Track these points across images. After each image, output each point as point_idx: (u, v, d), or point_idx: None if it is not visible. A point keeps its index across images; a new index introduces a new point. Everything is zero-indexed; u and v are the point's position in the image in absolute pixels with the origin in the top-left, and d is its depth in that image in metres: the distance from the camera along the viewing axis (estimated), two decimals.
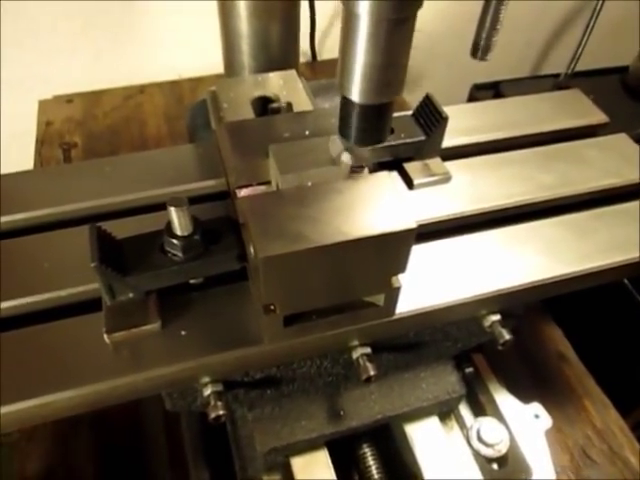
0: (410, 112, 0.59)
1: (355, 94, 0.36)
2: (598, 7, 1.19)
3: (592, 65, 1.31)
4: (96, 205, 0.54)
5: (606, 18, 1.25)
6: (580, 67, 1.28)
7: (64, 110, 1.13)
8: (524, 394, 0.68)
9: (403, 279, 0.44)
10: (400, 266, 0.41)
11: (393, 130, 0.57)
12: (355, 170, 0.44)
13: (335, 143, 0.41)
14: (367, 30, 0.33)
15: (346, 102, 0.37)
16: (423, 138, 0.57)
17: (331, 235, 0.37)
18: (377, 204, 0.40)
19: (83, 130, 1.09)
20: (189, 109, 0.72)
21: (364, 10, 0.32)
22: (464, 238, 0.54)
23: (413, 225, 0.38)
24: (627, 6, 1.41)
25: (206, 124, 0.67)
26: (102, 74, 1.19)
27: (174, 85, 1.21)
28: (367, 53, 0.34)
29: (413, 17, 0.34)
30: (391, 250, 0.40)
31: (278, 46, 0.60)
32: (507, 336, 0.49)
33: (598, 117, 0.66)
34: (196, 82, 1.20)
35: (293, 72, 0.60)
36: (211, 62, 0.94)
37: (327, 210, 0.39)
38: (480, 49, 0.41)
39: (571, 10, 1.44)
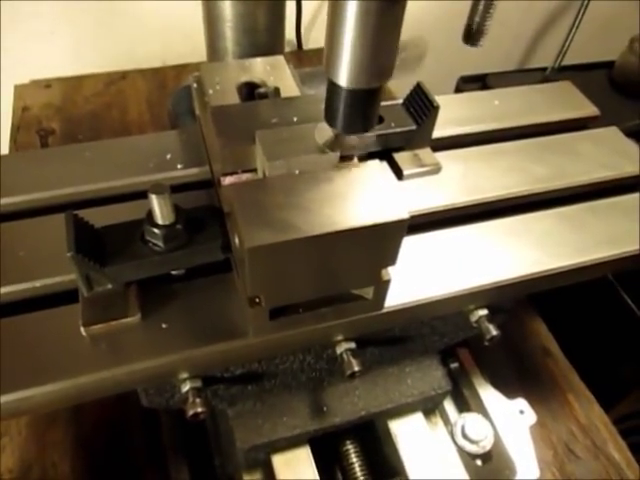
0: (400, 101, 0.58)
1: (342, 78, 0.34)
2: (586, 1, 1.19)
3: (579, 60, 1.31)
4: (75, 192, 0.52)
5: (594, 12, 1.25)
6: (567, 61, 1.28)
7: (42, 95, 1.09)
8: (508, 389, 0.67)
9: (392, 273, 0.42)
10: (390, 258, 0.40)
11: (383, 119, 0.55)
12: (345, 159, 0.43)
13: (322, 130, 0.39)
14: (356, 9, 0.31)
15: (333, 87, 0.35)
16: (414, 127, 0.55)
17: (321, 225, 0.36)
18: (368, 193, 0.38)
19: (62, 116, 1.06)
20: (171, 95, 0.69)
21: None
22: (454, 230, 0.53)
23: (405, 216, 0.37)
24: (614, 1, 1.41)
25: (189, 111, 0.65)
26: (83, 59, 1.15)
27: (157, 72, 1.18)
28: (355, 34, 0.32)
29: None
30: (382, 241, 0.38)
31: (263, 32, 0.58)
32: (494, 332, 0.48)
33: (589, 110, 0.66)
34: (180, 69, 1.17)
35: (281, 58, 0.58)
36: (196, 48, 0.92)
37: (316, 199, 0.37)
38: (472, 34, 0.39)
39: (559, 4, 1.43)
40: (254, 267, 0.36)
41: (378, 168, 0.40)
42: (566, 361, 0.79)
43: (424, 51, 1.34)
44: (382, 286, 0.42)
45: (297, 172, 0.39)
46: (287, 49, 1.19)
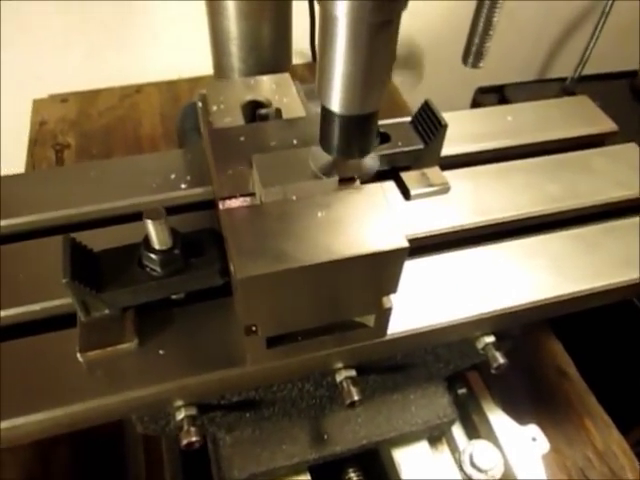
0: (408, 118, 0.57)
1: (335, 104, 0.33)
2: (607, 9, 1.16)
3: (600, 69, 1.28)
4: (77, 213, 0.52)
5: (615, 20, 1.22)
6: (587, 71, 1.25)
7: (58, 110, 1.11)
8: (521, 412, 0.65)
9: (396, 297, 0.41)
10: (391, 286, 0.39)
11: (389, 137, 0.54)
12: (345, 181, 0.41)
13: (317, 154, 0.38)
14: (347, 34, 0.30)
15: (326, 112, 0.34)
16: (421, 146, 0.54)
17: (317, 254, 0.35)
18: (366, 220, 0.37)
19: (77, 130, 1.06)
20: (179, 111, 0.69)
21: (343, 12, 0.29)
22: (463, 253, 0.51)
23: (405, 244, 0.36)
24: (637, 8, 1.38)
25: (196, 127, 0.65)
26: (99, 73, 1.16)
27: (171, 85, 1.18)
28: (347, 59, 0.31)
29: (397, 20, 0.31)
30: (381, 270, 0.37)
31: (268, 49, 0.57)
32: (501, 360, 0.46)
33: (607, 125, 0.63)
34: (194, 82, 1.18)
35: (286, 75, 0.57)
36: (210, 62, 0.92)
37: (313, 226, 0.36)
38: (472, 55, 0.38)
39: (579, 12, 1.40)
40: (247, 297, 0.35)
41: (377, 192, 0.39)
42: (583, 383, 0.76)
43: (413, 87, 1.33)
44: (383, 314, 0.41)
45: (294, 198, 0.38)
46: (301, 60, 1.18)
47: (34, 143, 1.05)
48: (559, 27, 1.43)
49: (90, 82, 1.15)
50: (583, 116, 0.65)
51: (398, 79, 1.22)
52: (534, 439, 0.60)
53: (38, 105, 1.12)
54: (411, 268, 0.48)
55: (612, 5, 1.14)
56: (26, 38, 1.07)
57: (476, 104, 1.28)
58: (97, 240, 0.46)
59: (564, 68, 1.37)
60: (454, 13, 1.26)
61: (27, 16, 1.04)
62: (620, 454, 0.71)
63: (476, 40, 0.36)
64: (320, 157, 0.38)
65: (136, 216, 0.51)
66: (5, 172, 0.56)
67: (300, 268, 0.34)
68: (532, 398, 0.73)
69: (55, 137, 1.05)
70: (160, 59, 1.19)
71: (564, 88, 1.23)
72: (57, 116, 1.09)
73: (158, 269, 0.41)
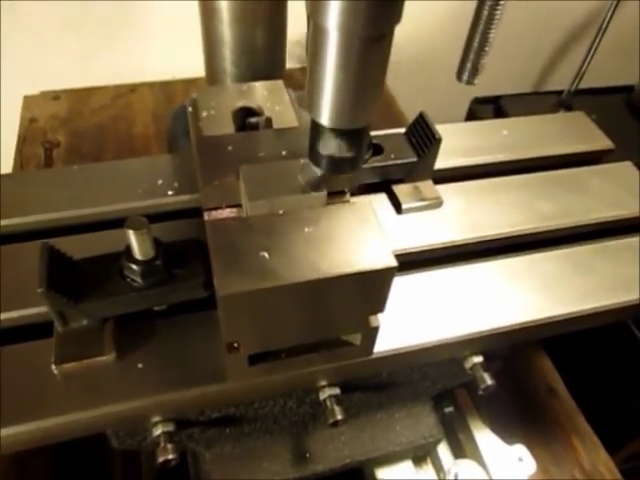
0: (402, 130, 0.56)
1: (325, 118, 0.32)
2: (605, 23, 1.16)
3: (597, 83, 1.28)
4: (59, 217, 0.50)
5: (614, 34, 1.22)
6: (584, 84, 1.24)
7: (49, 107, 1.09)
8: (509, 431, 0.64)
9: (383, 315, 0.40)
10: (378, 305, 0.38)
11: (383, 149, 0.53)
12: (335, 194, 0.40)
13: (306, 168, 0.37)
14: (338, 48, 0.28)
15: (315, 126, 0.33)
16: (415, 159, 0.53)
17: (303, 272, 0.34)
18: (355, 237, 0.36)
19: (68, 128, 1.05)
20: (170, 114, 0.68)
21: (334, 25, 0.27)
22: (452, 270, 0.50)
23: (393, 263, 0.35)
24: (635, 23, 1.38)
25: (186, 131, 0.63)
26: (93, 71, 1.15)
27: (166, 85, 1.17)
28: (338, 73, 0.29)
29: (390, 34, 0.30)
30: (369, 289, 0.36)
31: (262, 53, 0.56)
32: (489, 381, 0.45)
33: (603, 142, 0.63)
34: (189, 83, 1.16)
35: (280, 83, 0.56)
36: None
37: (299, 242, 0.35)
38: (467, 72, 0.37)
39: (577, 25, 1.40)
40: (229, 314, 0.34)
41: (367, 209, 0.38)
42: (572, 401, 0.76)
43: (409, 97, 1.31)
44: (370, 333, 0.40)
45: (281, 212, 0.37)
46: (297, 65, 1.17)
47: (23, 140, 1.03)
48: (557, 40, 1.43)
49: (85, 80, 1.14)
50: (579, 132, 0.64)
51: (393, 87, 1.21)
52: (521, 459, 0.59)
53: (29, 101, 1.10)
54: (399, 284, 0.47)
55: (610, 20, 1.14)
56: (22, 36, 1.05)
57: (472, 114, 1.27)
58: (79, 246, 0.44)
59: (561, 81, 1.37)
60: (451, 22, 1.25)
61: (23, 14, 1.02)
62: (607, 474, 0.70)
63: (471, 56, 0.35)
64: (309, 171, 0.37)
65: (120, 222, 0.50)
66: None
67: (285, 286, 0.33)
68: (521, 416, 0.73)
69: (45, 135, 1.03)
70: (155, 59, 1.17)
71: (560, 101, 1.23)
72: (48, 113, 1.07)
73: (139, 280, 0.40)
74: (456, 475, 0.54)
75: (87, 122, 1.07)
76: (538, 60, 1.46)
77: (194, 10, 0.73)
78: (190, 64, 1.16)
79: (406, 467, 0.55)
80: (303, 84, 0.58)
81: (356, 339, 0.41)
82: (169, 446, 0.40)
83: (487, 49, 0.34)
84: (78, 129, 1.05)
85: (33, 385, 0.40)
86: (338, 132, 0.33)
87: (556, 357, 0.81)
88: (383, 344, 0.43)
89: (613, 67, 1.35)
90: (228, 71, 0.58)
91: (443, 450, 0.58)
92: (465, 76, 0.36)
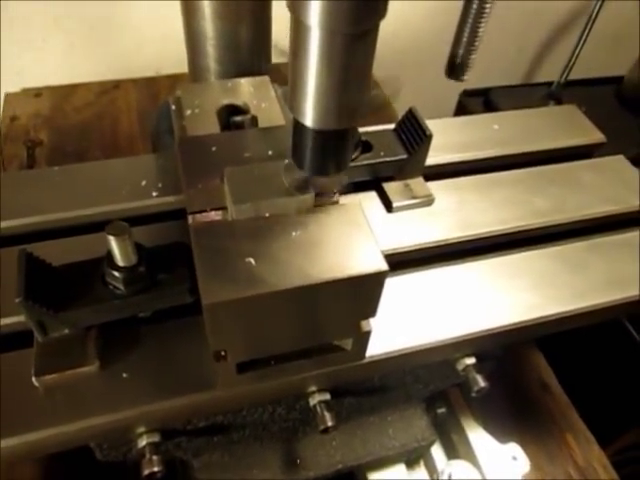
0: (392, 126, 0.54)
1: (308, 118, 0.30)
2: (595, 14, 1.15)
3: (587, 74, 1.27)
4: (39, 221, 0.49)
5: (603, 25, 1.21)
6: (574, 76, 1.24)
7: (31, 104, 1.06)
8: (503, 428, 0.63)
9: (374, 318, 0.39)
10: (370, 310, 0.37)
11: (372, 146, 0.52)
12: (322, 195, 0.39)
13: (290, 169, 0.36)
14: (320, 45, 0.27)
15: (298, 127, 0.32)
16: (405, 157, 0.52)
17: (290, 278, 0.32)
18: (344, 241, 0.35)
19: (50, 126, 1.02)
20: (154, 112, 0.66)
21: (316, 22, 0.26)
22: (446, 269, 0.49)
23: (385, 267, 0.34)
24: (625, 14, 1.37)
25: (171, 130, 0.62)
26: (77, 67, 1.13)
27: (151, 81, 1.15)
28: (321, 72, 0.28)
29: (375, 30, 0.28)
30: (360, 294, 0.35)
31: (246, 49, 0.54)
32: (482, 384, 0.44)
33: (595, 136, 0.62)
34: (174, 79, 1.14)
35: (266, 79, 0.54)
36: None
37: (287, 247, 0.34)
38: (456, 68, 0.35)
39: (566, 16, 1.39)
40: (215, 322, 0.33)
41: (356, 211, 0.36)
42: (565, 397, 0.75)
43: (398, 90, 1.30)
44: (361, 337, 0.39)
45: (267, 215, 0.35)
46: (282, 59, 1.15)
47: (4, 140, 1.00)
48: (545, 31, 1.42)
49: (67, 77, 1.11)
50: (571, 126, 0.63)
51: (381, 81, 1.20)
52: (514, 458, 0.58)
53: (10, 99, 1.07)
54: (390, 285, 0.46)
55: (599, 10, 1.13)
56: (4, 32, 1.03)
57: (461, 107, 1.26)
58: (59, 252, 0.43)
59: (550, 72, 1.36)
60: (437, 14, 1.24)
61: (5, 10, 1.00)
62: (601, 470, 0.70)
63: (460, 51, 0.33)
64: (294, 172, 0.35)
65: (103, 225, 0.49)
66: None
67: (273, 293, 0.32)
68: (514, 413, 0.72)
69: (27, 133, 1.01)
70: (140, 54, 1.15)
71: (550, 93, 1.22)
72: (30, 111, 1.05)
73: (122, 287, 0.39)
74: (449, 475, 0.54)
75: (70, 120, 1.05)
76: (527, 51, 1.45)
77: (179, 4, 0.71)
78: (175, 59, 1.14)
79: (399, 469, 0.54)
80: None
81: (347, 344, 0.39)
82: (155, 458, 0.38)
83: (477, 44, 0.33)
84: (61, 127, 1.03)
85: (13, 398, 0.38)
86: (322, 133, 0.31)
87: (548, 351, 0.80)
88: (375, 348, 0.42)
89: (602, 58, 1.34)
90: (212, 68, 0.57)
91: (436, 451, 0.57)
92: (454, 72, 0.34)
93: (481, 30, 0.32)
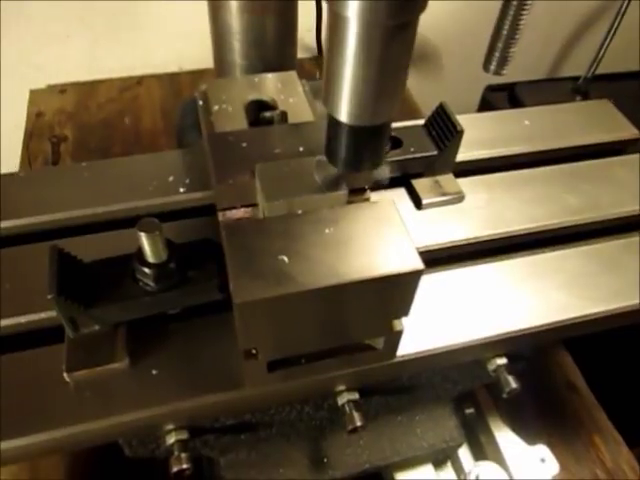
0: (421, 121, 0.53)
1: (344, 114, 0.30)
2: (624, 7, 1.12)
3: (615, 68, 1.24)
4: (68, 217, 0.49)
5: (633, 17, 1.18)
6: (602, 70, 1.21)
7: (56, 101, 1.07)
8: (530, 428, 0.62)
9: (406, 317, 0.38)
10: (403, 309, 0.36)
11: (401, 142, 0.51)
12: (354, 191, 0.38)
13: (322, 165, 0.35)
14: (358, 37, 0.26)
15: (333, 122, 0.31)
16: (435, 153, 0.51)
17: (323, 276, 0.32)
18: (378, 238, 0.34)
19: (75, 122, 1.03)
20: (179, 107, 0.66)
21: (354, 13, 0.25)
22: (475, 268, 0.48)
23: (420, 266, 0.33)
24: None
25: (196, 125, 0.62)
26: (99, 63, 1.13)
27: (173, 77, 1.15)
28: (358, 65, 0.27)
29: (415, 22, 0.27)
30: (394, 293, 0.34)
31: (272, 44, 0.54)
32: (514, 384, 0.43)
33: (629, 131, 0.60)
34: (197, 75, 1.14)
35: (293, 73, 0.54)
36: None
37: (319, 245, 0.33)
38: (495, 61, 0.34)
39: (594, 9, 1.36)
40: (246, 321, 0.32)
41: (390, 208, 0.36)
42: (592, 397, 0.74)
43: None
44: (393, 337, 0.38)
45: (300, 212, 0.35)
46: (305, 55, 1.15)
47: (30, 135, 1.01)
48: (572, 25, 1.39)
49: (91, 73, 1.12)
50: (604, 121, 0.62)
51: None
52: (543, 460, 0.57)
53: (35, 96, 1.08)
54: (421, 284, 0.45)
55: (629, 2, 1.11)
56: (26, 27, 1.03)
57: (485, 102, 1.24)
58: (89, 247, 0.43)
59: (577, 67, 1.33)
60: (464, 9, 1.22)
61: (27, 6, 1.00)
62: (629, 471, 0.68)
63: (500, 45, 0.32)
64: (325, 168, 0.35)
65: (131, 221, 0.49)
66: (4, 166, 0.53)
67: (305, 292, 0.31)
68: (541, 414, 0.71)
69: (52, 129, 1.02)
70: (163, 50, 1.15)
71: (576, 88, 1.19)
72: (55, 107, 1.06)
73: (152, 284, 0.38)
74: (477, 476, 0.53)
75: (94, 116, 1.05)
76: (553, 46, 1.42)
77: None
78: (197, 55, 1.14)
79: (426, 470, 0.53)
80: (314, 75, 0.56)
81: (378, 343, 0.39)
82: (183, 455, 0.38)
83: (517, 37, 0.32)
84: (85, 123, 1.03)
85: (44, 393, 0.38)
86: (358, 129, 0.30)
87: (574, 351, 0.79)
88: (406, 347, 0.41)
89: (632, 51, 1.31)
90: (237, 63, 0.56)
91: (463, 452, 0.56)
92: (493, 66, 0.34)
93: (522, 23, 0.31)
